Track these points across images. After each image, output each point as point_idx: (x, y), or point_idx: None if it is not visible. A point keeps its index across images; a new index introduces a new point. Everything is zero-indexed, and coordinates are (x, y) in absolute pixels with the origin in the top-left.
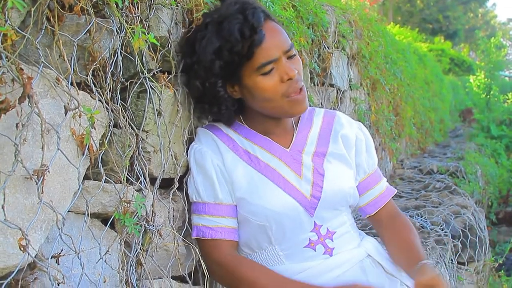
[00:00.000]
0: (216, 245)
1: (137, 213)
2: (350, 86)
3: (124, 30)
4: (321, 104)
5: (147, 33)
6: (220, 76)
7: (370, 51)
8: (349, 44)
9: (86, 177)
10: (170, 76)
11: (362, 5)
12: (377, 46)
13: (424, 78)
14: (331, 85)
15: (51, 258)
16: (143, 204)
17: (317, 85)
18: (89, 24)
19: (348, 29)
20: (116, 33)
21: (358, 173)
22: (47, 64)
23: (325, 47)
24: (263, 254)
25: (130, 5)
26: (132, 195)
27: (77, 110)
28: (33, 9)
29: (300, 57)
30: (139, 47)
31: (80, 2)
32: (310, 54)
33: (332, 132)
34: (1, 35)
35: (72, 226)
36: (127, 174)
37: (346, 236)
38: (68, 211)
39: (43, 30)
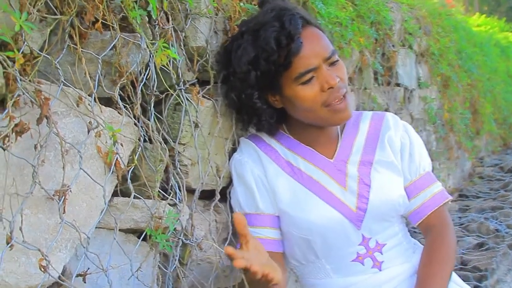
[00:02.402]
0: None
1: (174, 228)
2: (419, 85)
3: (156, 44)
4: (387, 104)
5: (184, 45)
6: (257, 87)
7: (439, 47)
8: (416, 42)
9: (117, 193)
10: (209, 86)
11: None
12: (447, 42)
13: (507, 71)
14: (398, 85)
15: (77, 276)
16: (178, 219)
17: (382, 85)
18: (114, 40)
19: (415, 26)
20: (146, 46)
21: (403, 180)
22: (66, 82)
23: (389, 46)
24: (310, 267)
25: (159, 18)
26: (163, 211)
27: (98, 128)
28: (47, 29)
29: (362, 57)
30: (168, 60)
31: (100, 19)
32: (373, 53)
33: (380, 137)
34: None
35: (104, 242)
36: (161, 189)
37: (397, 248)
38: (100, 227)
39: (64, 49)
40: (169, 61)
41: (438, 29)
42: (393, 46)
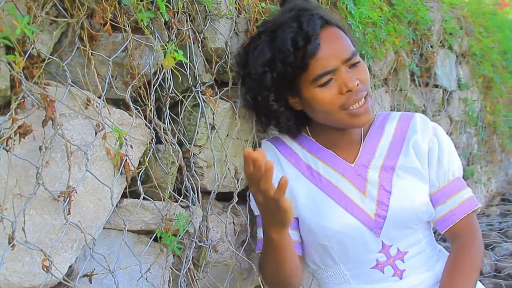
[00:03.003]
0: None
1: (185, 230)
2: (459, 86)
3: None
4: (424, 106)
5: (203, 46)
6: (273, 89)
7: (482, 48)
8: (457, 42)
9: (130, 195)
10: (227, 88)
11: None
12: (490, 43)
13: None
14: (436, 86)
15: (83, 276)
16: (190, 221)
17: (420, 86)
18: (126, 41)
19: (455, 26)
20: (160, 48)
21: (430, 186)
22: (73, 84)
23: (427, 46)
24: (329, 272)
25: (174, 19)
26: (174, 213)
27: (104, 130)
28: (58, 31)
29: (398, 58)
30: (177, 62)
31: (108, 21)
32: (410, 54)
33: (405, 141)
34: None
35: (113, 243)
36: (176, 191)
37: (420, 256)
38: (110, 228)
39: (74, 51)
40: (185, 63)
41: (480, 29)
42: (431, 46)
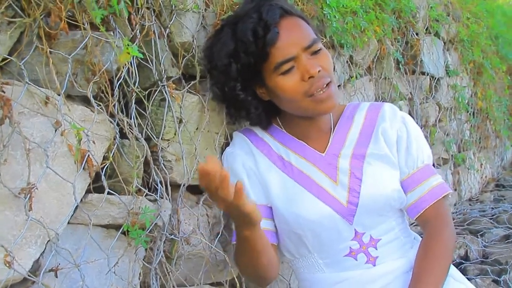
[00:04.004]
0: None
1: (152, 224)
2: (447, 73)
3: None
4: (411, 93)
5: (169, 41)
6: (240, 79)
7: (470, 34)
8: (444, 29)
9: (96, 190)
10: (194, 82)
11: None
12: (478, 28)
13: None
14: (423, 73)
15: (49, 271)
16: (158, 214)
17: (406, 73)
18: (85, 39)
19: (442, 12)
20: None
21: (400, 173)
22: (30, 83)
23: (412, 34)
24: (303, 261)
25: (135, 15)
26: (140, 207)
27: (64, 127)
28: (17, 31)
29: (381, 46)
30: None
31: (63, 19)
32: (395, 42)
33: (375, 129)
34: None
35: (81, 238)
36: (142, 185)
37: (393, 243)
38: (77, 223)
39: (32, 50)
40: (149, 59)
41: (467, 14)
42: (416, 34)
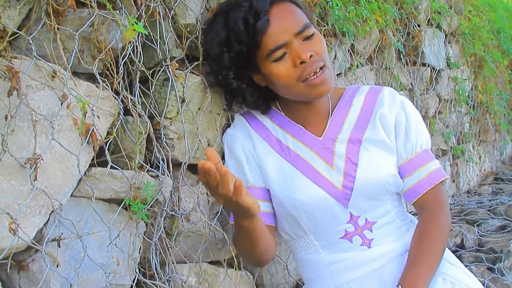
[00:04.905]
0: None
1: (154, 199)
2: (448, 65)
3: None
4: (411, 84)
5: (174, 22)
6: (232, 68)
7: (471, 27)
8: (446, 21)
9: (100, 165)
10: (197, 62)
11: None
12: (479, 22)
13: None
14: (424, 64)
15: (52, 241)
16: (160, 190)
17: (407, 64)
18: (92, 16)
19: (444, 5)
20: (126, 24)
21: (398, 158)
22: (39, 57)
23: (414, 25)
24: (300, 242)
25: None
26: (142, 182)
27: (70, 100)
28: (25, 7)
29: (383, 36)
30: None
31: None
32: (396, 33)
33: (373, 114)
34: None
35: (84, 210)
36: (144, 162)
37: (389, 226)
38: (80, 196)
39: (40, 26)
40: (154, 39)
41: (470, 7)
42: (418, 25)
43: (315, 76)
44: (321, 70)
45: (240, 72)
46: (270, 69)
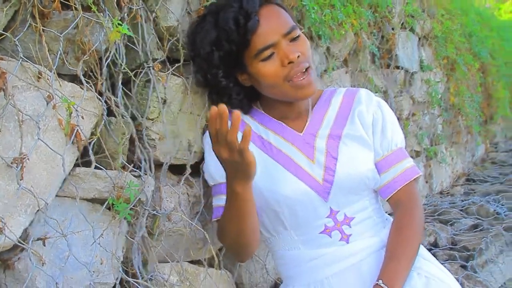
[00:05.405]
0: None
1: (136, 198)
2: (421, 68)
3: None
4: (385, 86)
5: (156, 24)
6: (222, 67)
7: (444, 30)
8: (419, 24)
9: (84, 165)
10: (178, 64)
11: None
12: (451, 25)
13: None
14: (397, 67)
15: (38, 240)
16: (142, 189)
17: (382, 67)
18: (76, 18)
19: (417, 8)
20: (110, 26)
21: (374, 155)
22: (24, 58)
23: (388, 29)
24: (280, 238)
25: None
26: (125, 182)
27: (55, 101)
28: (11, 9)
29: (358, 39)
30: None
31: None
32: (371, 36)
33: (351, 111)
34: None
35: (68, 210)
36: (127, 163)
37: (366, 222)
38: (64, 196)
39: (25, 28)
40: (136, 41)
41: (442, 11)
42: (392, 28)
43: (302, 78)
44: (306, 71)
45: (228, 71)
46: (257, 69)
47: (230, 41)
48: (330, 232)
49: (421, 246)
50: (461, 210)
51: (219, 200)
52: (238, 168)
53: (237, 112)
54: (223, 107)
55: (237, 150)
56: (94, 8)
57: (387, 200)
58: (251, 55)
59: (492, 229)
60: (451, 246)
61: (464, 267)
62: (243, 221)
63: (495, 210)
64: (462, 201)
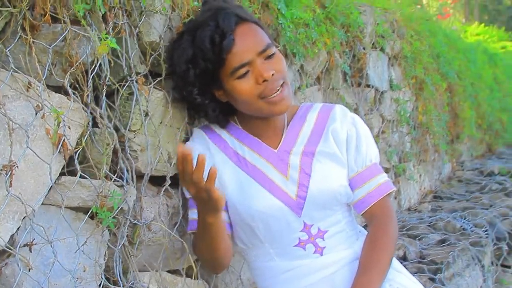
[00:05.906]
0: None
1: (119, 207)
2: (391, 87)
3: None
4: (356, 104)
5: (138, 39)
6: (197, 84)
7: (413, 51)
8: (389, 44)
9: (68, 174)
10: (160, 78)
11: (443, 5)
12: (420, 46)
13: (494, 77)
14: (368, 86)
15: (24, 246)
16: (125, 199)
17: (353, 85)
18: (65, 32)
19: (387, 29)
20: (97, 39)
21: (349, 171)
22: (15, 69)
23: (360, 48)
24: (255, 251)
25: (110, 13)
26: (109, 191)
27: (44, 111)
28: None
29: (330, 58)
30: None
31: (47, 12)
32: (343, 55)
33: (325, 128)
34: None
35: (53, 218)
36: (108, 171)
37: (340, 235)
38: (49, 204)
39: (16, 39)
40: (120, 54)
41: (412, 32)
42: (363, 48)
43: (275, 94)
44: (281, 88)
45: (204, 88)
46: (233, 86)
47: (206, 60)
48: (304, 245)
49: (394, 259)
50: (429, 226)
51: (194, 214)
52: (207, 203)
53: (202, 156)
54: (186, 150)
55: (203, 189)
56: (83, 21)
57: (362, 214)
58: (227, 73)
59: (459, 243)
60: (419, 259)
61: (432, 279)
62: (216, 244)
63: (461, 226)
64: (430, 217)
